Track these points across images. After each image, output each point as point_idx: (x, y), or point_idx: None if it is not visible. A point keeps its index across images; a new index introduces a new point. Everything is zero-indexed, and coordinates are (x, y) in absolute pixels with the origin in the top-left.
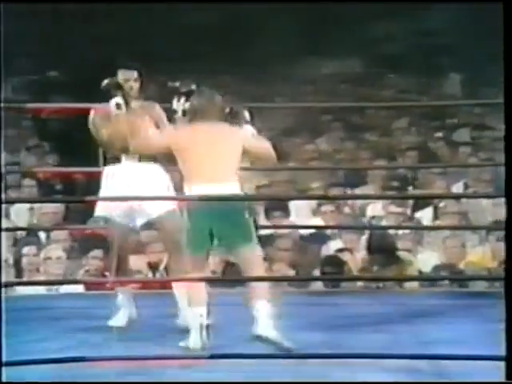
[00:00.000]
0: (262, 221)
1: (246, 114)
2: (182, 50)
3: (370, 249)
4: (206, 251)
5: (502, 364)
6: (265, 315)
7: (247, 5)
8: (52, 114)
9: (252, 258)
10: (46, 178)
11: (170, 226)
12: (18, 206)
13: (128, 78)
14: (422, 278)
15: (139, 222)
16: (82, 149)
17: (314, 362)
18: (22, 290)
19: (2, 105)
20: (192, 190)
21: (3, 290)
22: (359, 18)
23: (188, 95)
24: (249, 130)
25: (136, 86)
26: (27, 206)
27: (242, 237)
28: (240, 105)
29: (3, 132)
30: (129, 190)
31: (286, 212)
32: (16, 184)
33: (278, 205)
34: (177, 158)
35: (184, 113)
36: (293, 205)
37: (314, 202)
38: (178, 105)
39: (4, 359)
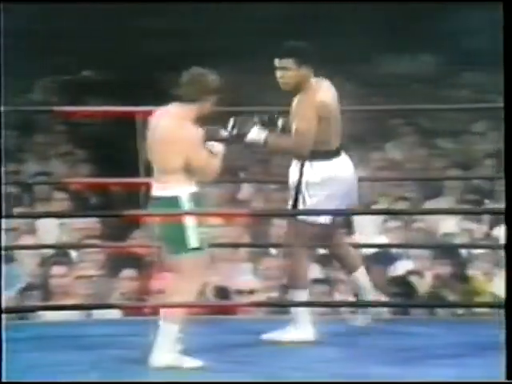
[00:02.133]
0: None
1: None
2: (237, 45)
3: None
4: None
5: None
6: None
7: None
8: (86, 118)
9: (178, 269)
10: (79, 189)
11: None
12: (46, 221)
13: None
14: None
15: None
16: (120, 157)
17: None
18: (50, 316)
19: (30, 108)
20: None
21: (29, 315)
22: (434, 10)
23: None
24: (194, 134)
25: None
26: (57, 221)
27: (172, 244)
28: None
29: (34, 138)
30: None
31: (350, 228)
32: (45, 196)
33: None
34: None
35: None
36: (356, 221)
37: (380, 218)
38: None
39: None
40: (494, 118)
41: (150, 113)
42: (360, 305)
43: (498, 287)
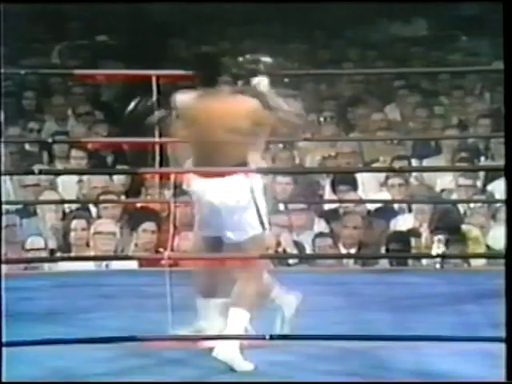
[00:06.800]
0: (328, 195)
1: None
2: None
3: (433, 225)
4: None
5: None
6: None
7: None
8: (103, 81)
9: None
10: (96, 148)
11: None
12: (65, 178)
13: None
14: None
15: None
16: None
17: (379, 345)
18: (68, 266)
19: (49, 71)
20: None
21: (47, 265)
22: None
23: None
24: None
25: None
26: (76, 178)
27: None
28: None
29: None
30: None
31: (354, 186)
32: (63, 155)
33: (344, 178)
34: None
35: None
36: (360, 178)
37: (381, 175)
38: None
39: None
40: (489, 79)
41: (164, 76)
42: (362, 257)
43: (493, 240)
